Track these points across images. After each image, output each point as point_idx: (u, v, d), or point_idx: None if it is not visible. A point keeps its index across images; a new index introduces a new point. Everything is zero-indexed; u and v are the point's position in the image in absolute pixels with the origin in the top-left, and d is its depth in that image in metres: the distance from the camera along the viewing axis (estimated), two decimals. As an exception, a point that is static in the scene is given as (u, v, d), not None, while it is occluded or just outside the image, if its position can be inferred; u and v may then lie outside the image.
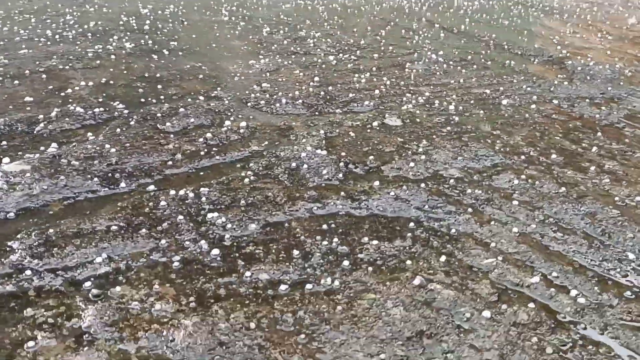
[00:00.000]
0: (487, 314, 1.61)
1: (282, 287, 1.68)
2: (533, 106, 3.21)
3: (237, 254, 1.83)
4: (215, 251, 1.82)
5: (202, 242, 1.86)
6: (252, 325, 1.54)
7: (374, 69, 3.68)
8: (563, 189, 2.32)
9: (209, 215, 2.00)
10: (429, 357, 1.46)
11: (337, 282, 1.72)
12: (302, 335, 1.51)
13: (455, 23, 4.99)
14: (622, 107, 3.26)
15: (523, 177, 2.39)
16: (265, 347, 1.47)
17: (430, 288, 1.70)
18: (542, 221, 2.10)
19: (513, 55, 4.18)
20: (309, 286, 1.69)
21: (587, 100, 3.35)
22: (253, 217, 2.02)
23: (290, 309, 1.60)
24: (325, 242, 1.91)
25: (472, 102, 3.22)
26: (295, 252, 1.85)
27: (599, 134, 2.88)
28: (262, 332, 1.52)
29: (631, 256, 1.93)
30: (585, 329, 1.60)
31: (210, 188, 2.17)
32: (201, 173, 2.30)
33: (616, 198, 2.29)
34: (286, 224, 2.01)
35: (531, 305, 1.66)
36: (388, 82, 3.43)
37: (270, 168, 2.36)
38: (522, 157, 2.59)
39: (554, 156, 2.60)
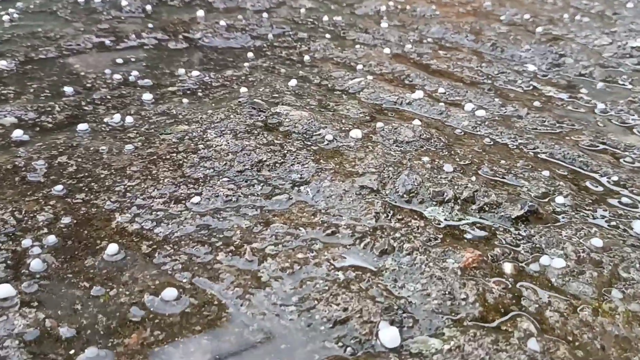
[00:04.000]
0: (357, 133, 1.08)
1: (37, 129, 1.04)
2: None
3: (-34, 97, 1.15)
4: None
5: None
6: (-32, 180, 0.89)
7: None
8: (439, 11, 1.85)
9: None
10: (270, 194, 0.92)
11: (130, 119, 1.10)
12: (60, 187, 0.90)
13: None
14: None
15: (391, 3, 1.89)
16: (-16, 209, 0.84)
17: (274, 111, 1.14)
18: (418, 41, 1.62)
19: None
20: (82, 126, 1.06)
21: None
22: (6, 54, 1.33)
23: (45, 155, 0.97)
24: (117, 76, 1.27)
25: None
26: (68, 90, 1.20)
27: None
28: (-14, 188, 0.89)
29: (531, 67, 1.51)
30: (491, 142, 1.14)
31: (-60, 26, 1.42)
32: None
33: (502, 17, 1.86)
34: (60, 60, 1.34)
35: (416, 122, 1.16)
36: None
37: (46, 5, 1.65)
38: (388, -13, 2.08)
39: (425, -15, 2.12)
